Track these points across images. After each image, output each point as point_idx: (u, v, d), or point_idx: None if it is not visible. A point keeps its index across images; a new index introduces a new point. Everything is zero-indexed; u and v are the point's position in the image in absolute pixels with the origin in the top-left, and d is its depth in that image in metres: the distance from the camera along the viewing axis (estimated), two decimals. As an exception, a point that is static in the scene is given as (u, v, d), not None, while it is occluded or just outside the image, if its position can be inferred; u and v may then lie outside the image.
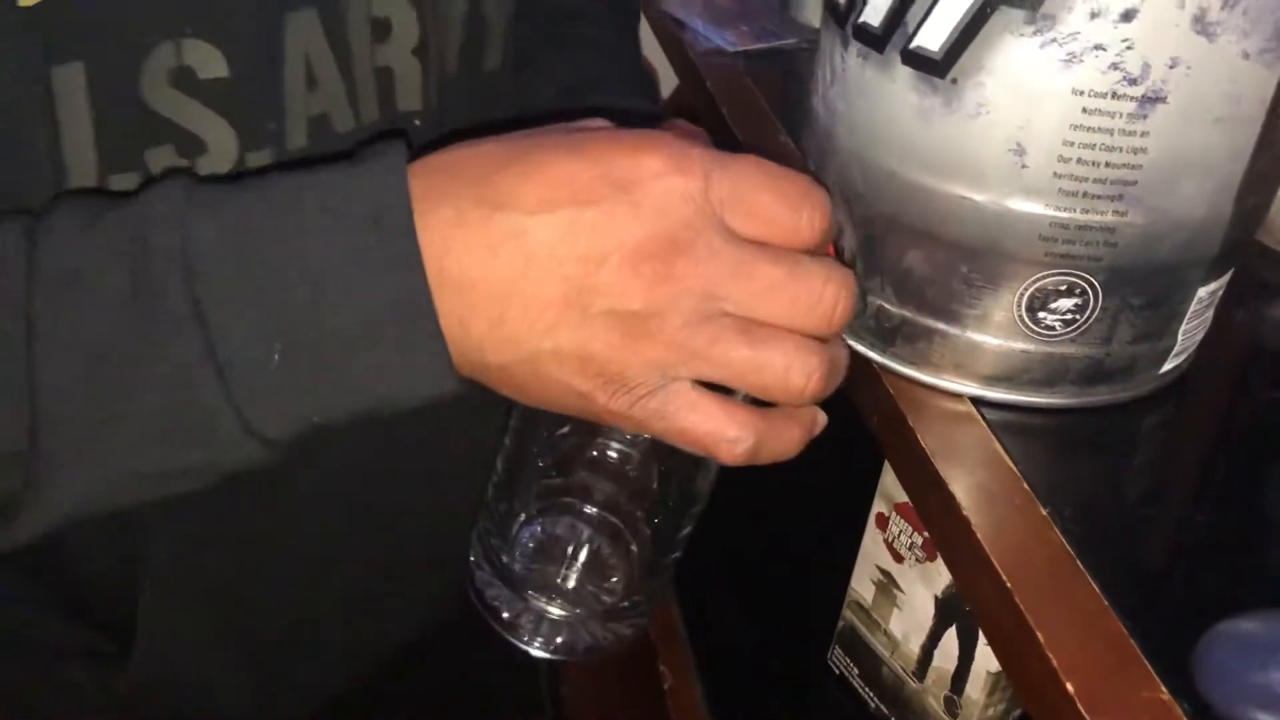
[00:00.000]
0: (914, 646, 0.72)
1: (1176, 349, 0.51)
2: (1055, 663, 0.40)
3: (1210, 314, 0.52)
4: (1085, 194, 0.45)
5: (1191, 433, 0.54)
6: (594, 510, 0.53)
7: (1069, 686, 0.39)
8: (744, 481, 0.83)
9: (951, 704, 0.70)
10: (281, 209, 0.38)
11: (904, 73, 0.46)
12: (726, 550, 0.84)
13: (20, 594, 0.58)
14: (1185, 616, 0.41)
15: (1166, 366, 0.52)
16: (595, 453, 0.52)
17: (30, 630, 0.59)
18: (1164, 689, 0.39)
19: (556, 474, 0.53)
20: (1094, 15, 0.42)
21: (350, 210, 0.38)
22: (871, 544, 0.73)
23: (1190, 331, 0.51)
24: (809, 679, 0.80)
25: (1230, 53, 0.43)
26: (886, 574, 0.73)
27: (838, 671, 0.79)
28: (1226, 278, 0.51)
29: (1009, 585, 0.43)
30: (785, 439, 0.42)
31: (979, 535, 0.45)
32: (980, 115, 0.45)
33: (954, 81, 0.45)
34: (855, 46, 0.48)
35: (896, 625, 0.73)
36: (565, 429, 0.52)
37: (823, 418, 0.44)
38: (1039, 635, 0.41)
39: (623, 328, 0.38)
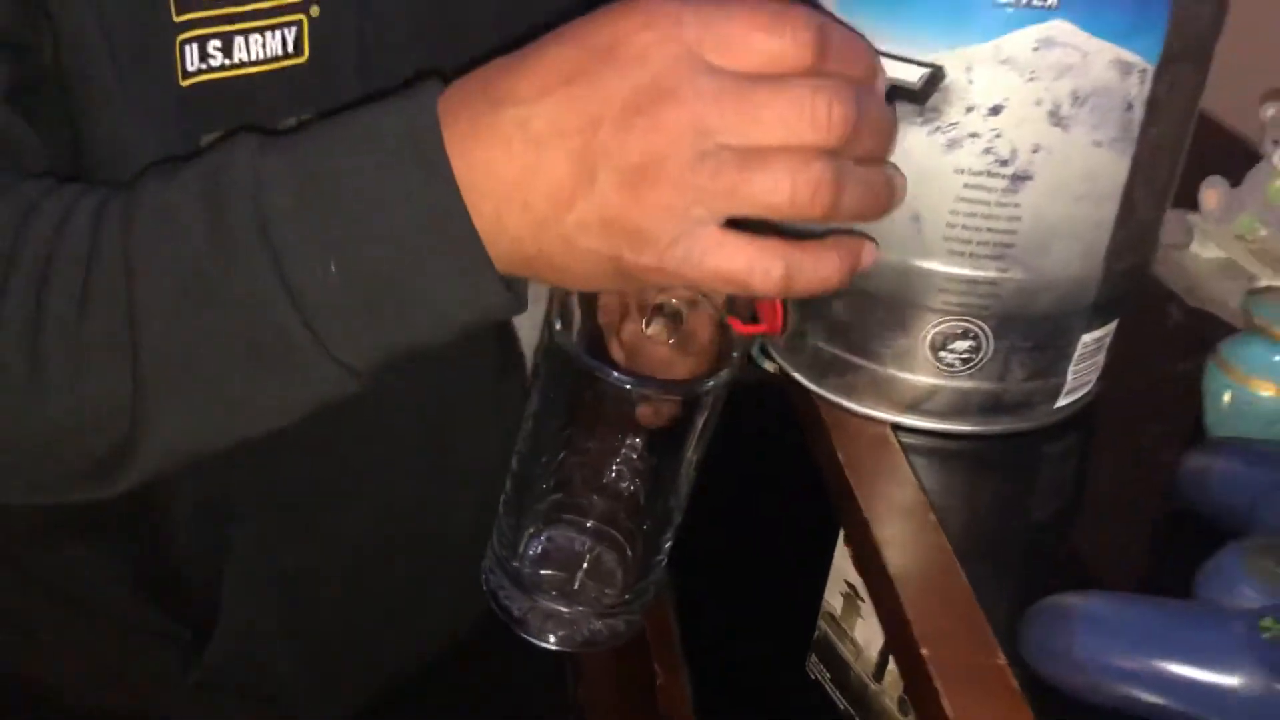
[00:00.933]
0: (873, 652, 0.80)
1: (1068, 387, 0.60)
2: (915, 633, 0.49)
3: (1101, 357, 0.61)
4: (971, 254, 0.54)
5: (1079, 460, 0.62)
6: (593, 523, 0.62)
7: (923, 651, 0.48)
8: (735, 502, 0.92)
9: (904, 704, 0.78)
10: (331, 139, 0.44)
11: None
12: (718, 563, 0.93)
13: (118, 579, 0.66)
14: (1034, 600, 0.50)
15: (1061, 402, 0.61)
16: (594, 471, 0.61)
17: (124, 613, 0.67)
18: (1001, 656, 0.48)
19: (559, 492, 0.62)
20: (969, 109, 0.52)
21: (385, 133, 0.42)
22: (840, 560, 0.82)
23: (1081, 371, 0.60)
24: (788, 683, 0.89)
25: (1083, 142, 0.52)
26: (852, 587, 0.81)
27: (814, 677, 0.87)
28: (1112, 325, 0.60)
29: (891, 574, 0.52)
30: (823, 266, 0.43)
31: (875, 535, 0.54)
32: (884, 188, 0.54)
33: (863, 160, 0.54)
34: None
35: (860, 633, 0.81)
36: (564, 454, 0.61)
37: (870, 249, 0.45)
38: (907, 613, 0.50)
39: (630, 182, 0.40)
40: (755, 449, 0.85)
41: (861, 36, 0.42)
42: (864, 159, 0.42)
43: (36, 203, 0.45)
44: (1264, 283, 0.71)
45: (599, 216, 0.41)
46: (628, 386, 0.54)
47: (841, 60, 0.41)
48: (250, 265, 0.42)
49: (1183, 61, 0.52)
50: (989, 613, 0.50)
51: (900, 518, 0.55)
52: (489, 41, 0.65)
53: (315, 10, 0.54)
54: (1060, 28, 0.49)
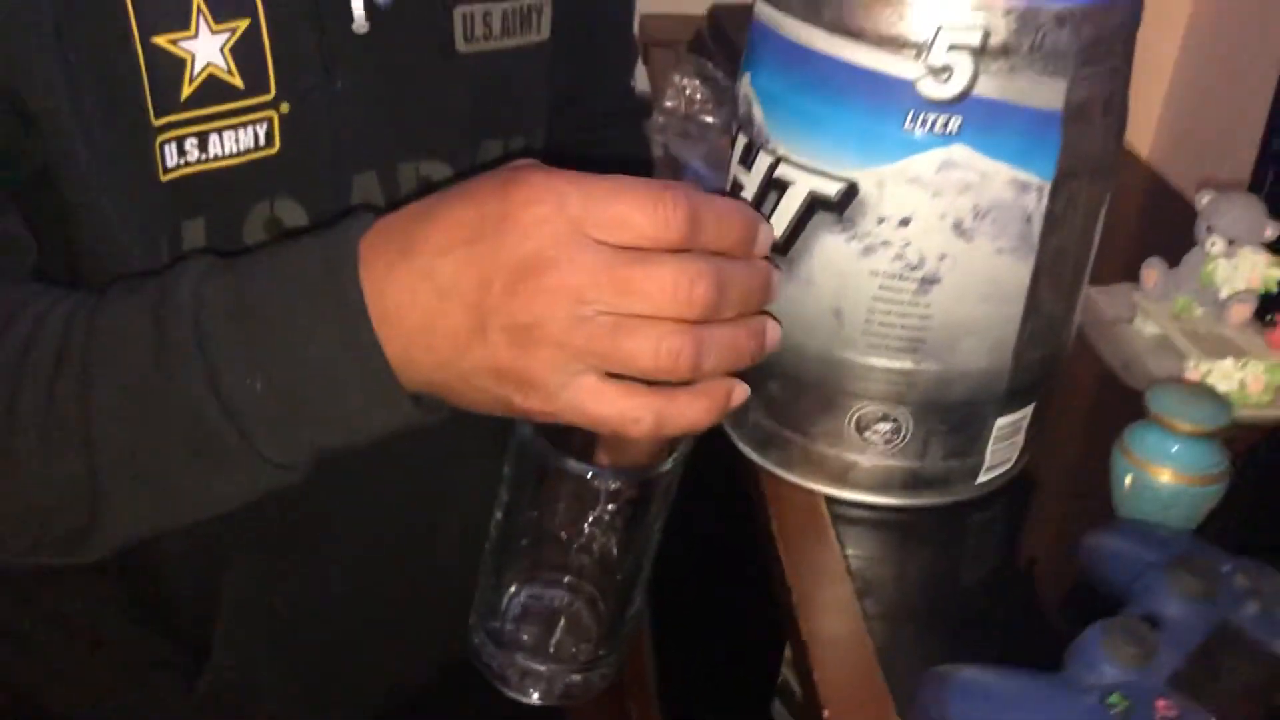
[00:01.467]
0: (827, 699, 0.85)
1: (988, 464, 0.65)
2: (820, 694, 0.54)
3: (1020, 437, 0.66)
4: (888, 347, 0.60)
5: (1000, 532, 0.67)
6: (570, 579, 0.68)
7: (825, 712, 0.53)
8: (708, 554, 0.97)
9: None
10: (266, 269, 0.50)
11: (760, 250, 0.62)
12: (692, 610, 0.99)
13: (120, 609, 0.72)
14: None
15: (982, 478, 0.66)
16: (566, 534, 0.67)
17: (125, 640, 0.73)
18: (897, 718, 0.53)
19: (536, 553, 0.68)
20: (881, 220, 0.57)
21: (312, 270, 0.49)
22: (800, 611, 0.87)
23: (999, 450, 0.65)
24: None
25: (985, 250, 0.57)
26: (810, 637, 0.87)
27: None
28: (1027, 409, 0.65)
29: (803, 636, 0.57)
30: (691, 412, 0.48)
31: (794, 598, 0.60)
32: (810, 286, 0.60)
33: (791, 260, 0.60)
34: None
35: (816, 681, 0.87)
36: (538, 515, 0.66)
37: (741, 390, 0.49)
38: (815, 674, 0.55)
39: (517, 339, 0.46)
40: (725, 503, 0.90)
41: (742, 206, 0.48)
42: (735, 317, 0.48)
43: (22, 303, 0.52)
44: (1192, 363, 0.76)
45: (491, 365, 0.46)
46: (588, 476, 0.59)
47: (715, 235, 0.46)
48: (189, 378, 0.48)
49: (1079, 178, 0.58)
50: (898, 677, 0.55)
51: (820, 583, 0.61)
52: (451, 130, 0.70)
53: (285, 107, 0.60)
54: (960, 152, 0.55)
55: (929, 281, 0.58)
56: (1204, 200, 0.81)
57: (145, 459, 0.50)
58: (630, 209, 0.45)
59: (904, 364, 0.60)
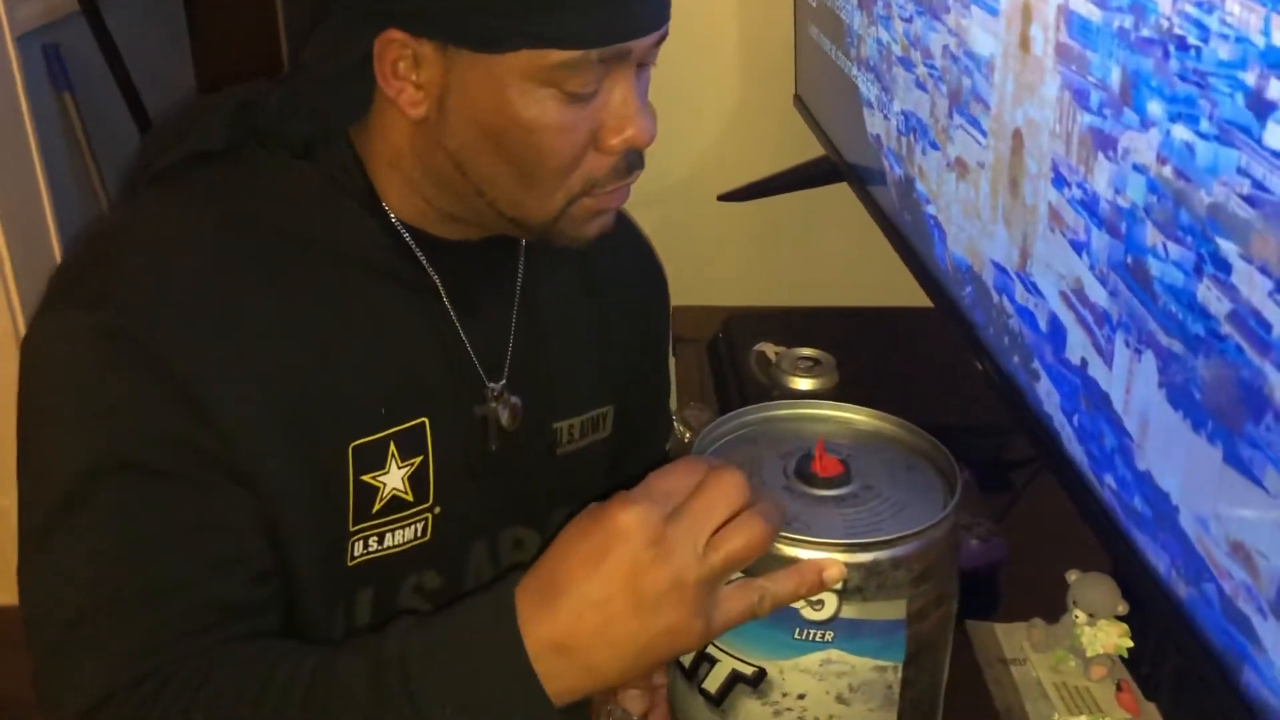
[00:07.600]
0: None
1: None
2: None
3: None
4: (798, 774, 0.82)
5: None
6: None
7: None
8: None
9: None
10: (454, 627, 0.71)
11: (700, 700, 0.84)
12: None
13: None
14: None
15: None
16: None
17: None
18: None
19: None
20: (784, 694, 0.80)
21: (484, 624, 0.70)
22: None
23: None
24: None
25: (860, 710, 0.80)
26: None
27: None
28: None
29: None
30: (785, 584, 0.74)
31: None
32: (739, 730, 0.83)
33: (724, 711, 0.82)
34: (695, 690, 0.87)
35: None
36: None
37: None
38: None
39: (666, 600, 0.70)
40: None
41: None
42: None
43: (282, 654, 0.74)
44: (1057, 717, 0.98)
45: (663, 625, 0.71)
46: None
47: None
48: (397, 706, 0.69)
49: (924, 653, 0.81)
50: None
51: None
52: (542, 506, 0.96)
53: (438, 509, 0.86)
54: (834, 653, 0.78)
55: (821, 731, 0.80)
56: (1071, 577, 1.03)
57: None
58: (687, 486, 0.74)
59: (814, 778, 0.82)
